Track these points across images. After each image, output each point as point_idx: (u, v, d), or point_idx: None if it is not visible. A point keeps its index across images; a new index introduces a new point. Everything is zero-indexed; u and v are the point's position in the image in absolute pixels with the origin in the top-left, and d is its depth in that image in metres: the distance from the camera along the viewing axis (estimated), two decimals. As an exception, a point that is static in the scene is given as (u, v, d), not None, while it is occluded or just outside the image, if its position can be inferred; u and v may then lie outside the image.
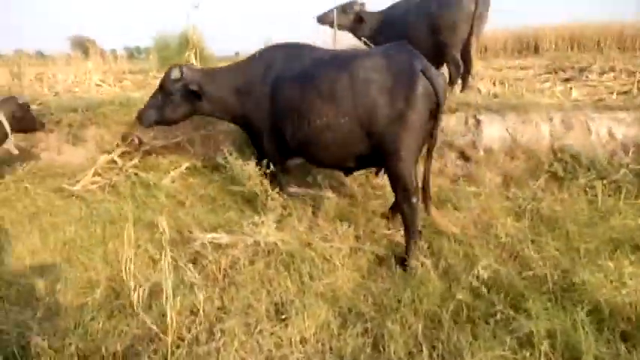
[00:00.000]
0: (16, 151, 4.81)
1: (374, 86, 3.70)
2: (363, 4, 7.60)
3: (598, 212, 4.40)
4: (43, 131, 5.30)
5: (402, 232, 4.10)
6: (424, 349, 2.62)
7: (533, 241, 3.76)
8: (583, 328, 2.63)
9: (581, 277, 3.09)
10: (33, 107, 6.00)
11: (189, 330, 2.78)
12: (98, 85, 8.74)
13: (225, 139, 6.11)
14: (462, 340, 2.64)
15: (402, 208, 3.83)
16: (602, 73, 9.83)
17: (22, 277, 3.53)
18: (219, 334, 2.73)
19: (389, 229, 4.31)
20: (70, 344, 2.70)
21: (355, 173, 4.70)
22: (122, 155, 6.06)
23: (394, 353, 2.64)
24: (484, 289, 3.07)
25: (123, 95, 7.26)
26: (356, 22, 7.30)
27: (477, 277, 3.17)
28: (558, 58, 13.26)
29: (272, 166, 4.38)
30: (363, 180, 5.10)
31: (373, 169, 4.75)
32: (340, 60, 4.06)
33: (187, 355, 2.54)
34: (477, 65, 7.99)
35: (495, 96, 7.14)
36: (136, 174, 5.73)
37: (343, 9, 7.57)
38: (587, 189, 4.92)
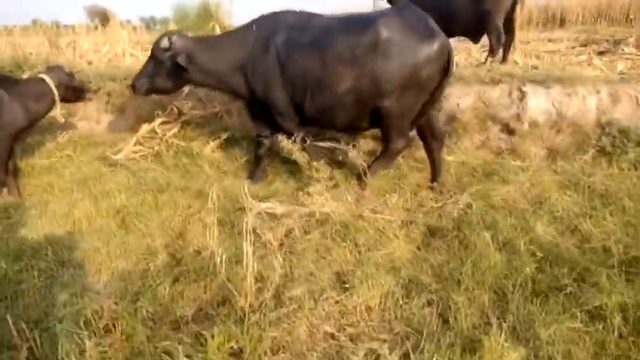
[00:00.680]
0: (62, 119, 4.85)
1: (396, 46, 3.91)
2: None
3: (651, 188, 4.31)
4: (87, 100, 5.28)
5: (450, 203, 4.13)
6: (493, 320, 2.62)
7: (590, 216, 3.71)
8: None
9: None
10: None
11: (256, 297, 2.81)
12: (131, 55, 8.70)
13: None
14: (533, 312, 2.64)
15: (390, 143, 4.33)
16: (638, 46, 9.54)
17: (81, 242, 3.61)
18: (287, 301, 2.76)
19: (436, 202, 4.27)
20: (142, 307, 2.76)
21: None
22: (162, 125, 6.08)
23: (462, 324, 2.64)
24: (546, 263, 3.06)
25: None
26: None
27: (538, 251, 3.15)
28: (587, 31, 12.88)
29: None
30: (406, 153, 5.02)
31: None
32: (357, 23, 4.14)
33: (260, 320, 2.57)
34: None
35: (535, 68, 6.95)
36: (176, 143, 5.76)
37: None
38: (637, 164, 4.83)
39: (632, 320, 2.55)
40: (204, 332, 2.49)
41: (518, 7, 6.77)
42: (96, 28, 13.81)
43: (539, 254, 3.18)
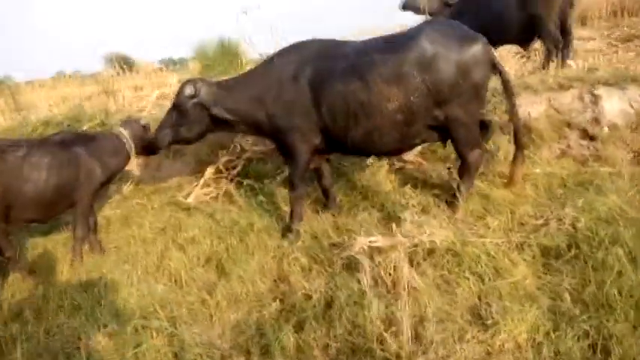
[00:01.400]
0: (138, 173, 4.84)
1: (441, 53, 3.91)
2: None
3: None
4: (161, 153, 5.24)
5: (554, 220, 3.90)
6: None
7: None
8: None
9: None
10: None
11: (394, 342, 2.63)
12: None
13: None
14: None
15: (466, 159, 4.25)
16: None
17: (186, 295, 3.51)
18: (429, 345, 2.57)
19: (536, 219, 4.04)
20: (274, 361, 2.62)
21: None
22: (226, 164, 6.04)
23: (628, 355, 2.41)
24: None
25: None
26: (445, 5, 7.03)
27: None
28: (613, 27, 12.55)
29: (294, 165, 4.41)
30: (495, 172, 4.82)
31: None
32: (396, 41, 4.11)
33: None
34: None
35: (595, 69, 6.70)
36: (242, 182, 5.70)
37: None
38: None
39: None
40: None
41: (571, 8, 6.55)
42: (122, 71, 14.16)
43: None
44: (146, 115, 7.19)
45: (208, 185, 5.80)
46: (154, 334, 3.01)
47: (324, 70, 4.15)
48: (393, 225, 3.85)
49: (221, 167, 5.99)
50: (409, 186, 4.33)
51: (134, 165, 4.73)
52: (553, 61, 6.64)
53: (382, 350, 2.63)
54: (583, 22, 15.62)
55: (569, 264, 3.29)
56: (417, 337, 2.67)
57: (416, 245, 3.57)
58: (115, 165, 4.59)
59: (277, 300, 3.33)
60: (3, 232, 4.11)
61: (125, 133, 4.59)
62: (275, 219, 4.75)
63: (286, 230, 4.42)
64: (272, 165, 5.99)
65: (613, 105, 5.42)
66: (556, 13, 6.53)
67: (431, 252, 3.52)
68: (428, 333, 2.67)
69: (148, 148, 4.78)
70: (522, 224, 4.00)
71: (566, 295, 2.93)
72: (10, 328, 3.36)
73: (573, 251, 3.40)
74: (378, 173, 4.92)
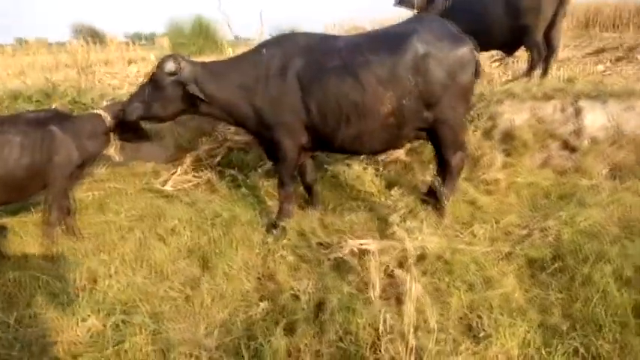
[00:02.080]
0: (118, 158, 4.62)
1: (433, 59, 3.89)
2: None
3: None
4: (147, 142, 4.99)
5: (537, 231, 3.98)
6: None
7: None
8: None
9: None
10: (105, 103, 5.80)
11: (385, 350, 2.60)
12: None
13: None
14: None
15: (449, 162, 4.26)
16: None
17: (170, 291, 3.38)
18: (424, 356, 2.56)
19: (523, 228, 4.11)
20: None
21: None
22: (207, 152, 5.86)
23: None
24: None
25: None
26: (429, 3, 6.98)
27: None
28: (581, 37, 12.95)
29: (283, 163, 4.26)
30: (480, 179, 4.86)
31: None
32: (389, 41, 4.01)
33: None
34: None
35: (570, 80, 6.86)
36: (224, 171, 5.55)
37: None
38: None
39: None
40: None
41: (559, 19, 6.65)
42: (92, 43, 13.55)
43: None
44: (124, 94, 6.92)
45: (187, 173, 5.62)
46: (137, 331, 2.87)
47: (315, 66, 3.98)
48: (383, 228, 3.83)
49: (201, 155, 5.82)
50: (396, 188, 4.28)
51: (113, 150, 4.46)
52: (533, 70, 6.75)
53: (376, 359, 2.59)
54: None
55: (555, 277, 3.35)
56: (412, 347, 2.63)
57: (406, 250, 3.55)
58: (92, 147, 4.35)
59: (264, 300, 3.24)
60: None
61: (106, 114, 4.35)
62: (259, 212, 4.63)
63: (271, 226, 4.32)
64: (254, 155, 5.85)
65: (594, 118, 5.56)
66: (544, 25, 6.62)
67: (421, 258, 3.51)
68: (423, 342, 2.65)
69: (132, 134, 4.54)
70: (507, 234, 4.06)
71: (555, 310, 2.97)
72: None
73: (558, 264, 3.47)
74: (364, 172, 4.85)
